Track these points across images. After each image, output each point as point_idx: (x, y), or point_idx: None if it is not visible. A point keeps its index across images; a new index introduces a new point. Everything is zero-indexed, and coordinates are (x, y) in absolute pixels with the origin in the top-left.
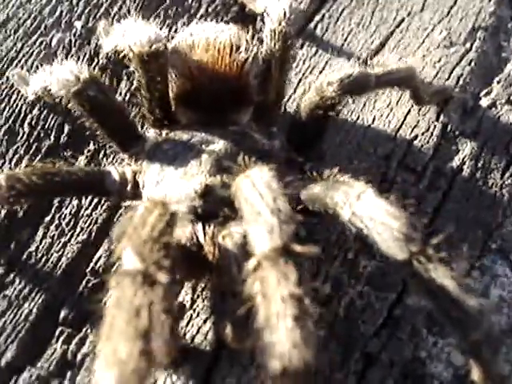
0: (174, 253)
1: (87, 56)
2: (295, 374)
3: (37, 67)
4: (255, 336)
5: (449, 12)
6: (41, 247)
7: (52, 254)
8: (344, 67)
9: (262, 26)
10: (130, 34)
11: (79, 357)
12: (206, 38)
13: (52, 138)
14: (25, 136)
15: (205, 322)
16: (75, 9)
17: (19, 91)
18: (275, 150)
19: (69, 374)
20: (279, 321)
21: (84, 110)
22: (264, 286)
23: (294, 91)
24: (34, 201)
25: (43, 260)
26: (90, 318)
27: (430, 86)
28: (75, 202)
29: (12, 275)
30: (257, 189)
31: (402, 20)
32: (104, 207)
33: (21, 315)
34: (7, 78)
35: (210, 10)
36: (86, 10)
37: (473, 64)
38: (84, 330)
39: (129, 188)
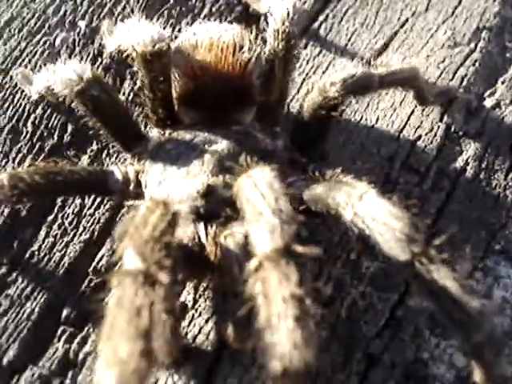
0: (175, 253)
1: (91, 55)
2: (296, 375)
3: (40, 66)
4: (256, 336)
5: (453, 12)
6: (43, 246)
7: (54, 254)
8: (347, 67)
9: (265, 26)
10: (133, 34)
11: (81, 356)
12: (209, 38)
13: (55, 137)
14: (28, 135)
15: (207, 321)
16: (79, 8)
17: (23, 90)
18: (278, 150)
19: (70, 373)
20: (280, 321)
21: (87, 110)
22: (265, 286)
23: (298, 91)
24: (37, 200)
25: (46, 259)
26: (92, 317)
27: (433, 86)
28: (78, 202)
29: (14, 274)
30: (258, 189)
31: (406, 20)
32: (107, 207)
33: (23, 314)
34: (11, 77)
35: (213, 9)
36: (90, 10)
37: (477, 64)
38: (86, 329)
39: (131, 187)
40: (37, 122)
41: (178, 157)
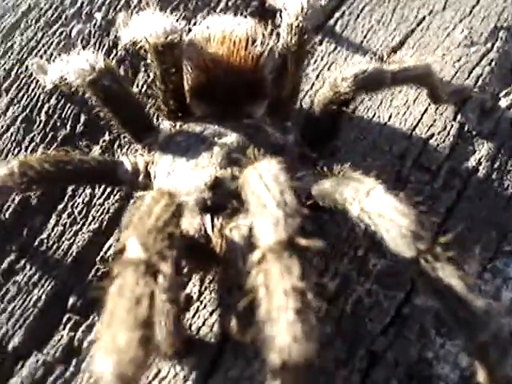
0: (180, 244)
1: (106, 47)
2: (295, 368)
3: (56, 57)
4: (257, 329)
5: (471, 11)
6: (52, 235)
7: (63, 242)
8: (360, 63)
9: (280, 20)
10: (147, 26)
11: (85, 344)
12: (221, 31)
13: (68, 127)
14: (41, 125)
15: (211, 314)
16: (96, 0)
17: (38, 80)
18: (288, 144)
19: (74, 360)
20: (280, 314)
21: (99, 100)
22: (267, 278)
23: (311, 87)
24: (46, 188)
25: (54, 247)
26: (98, 306)
27: (448, 84)
28: (88, 191)
29: (23, 261)
30: (264, 181)
31: (423, 18)
32: (116, 197)
33: (30, 301)
34: (26, 67)
35: (229, 4)
36: (107, 2)
37: (493, 64)
38: (91, 317)
39: (141, 178)
40: (50, 111)
41: (188, 149)
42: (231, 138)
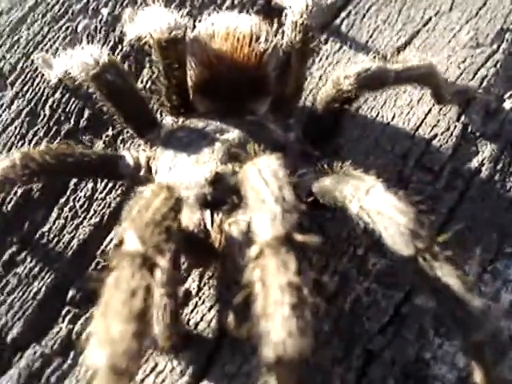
0: (179, 238)
1: (112, 43)
2: (290, 364)
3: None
4: (253, 324)
5: (477, 13)
6: (54, 228)
7: (64, 235)
8: (363, 62)
9: (285, 18)
10: (151, 21)
11: (84, 337)
12: (225, 28)
13: (72, 121)
14: (45, 118)
15: (209, 309)
16: None
17: (43, 74)
18: (290, 141)
19: (72, 353)
20: (276, 309)
21: (102, 94)
22: (264, 273)
23: (316, 86)
24: (48, 180)
25: (55, 240)
26: (97, 299)
27: (452, 85)
28: (90, 186)
29: (24, 254)
30: (263, 176)
31: (430, 19)
32: (118, 192)
33: (29, 293)
34: (32, 61)
35: (236, 1)
36: None
37: (498, 66)
38: (90, 310)
39: (142, 173)
40: (55, 105)
41: (189, 144)
42: (233, 134)
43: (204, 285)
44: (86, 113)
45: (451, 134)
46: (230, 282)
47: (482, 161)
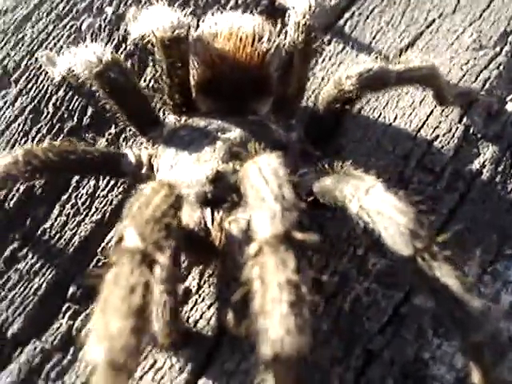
0: (179, 235)
1: (115, 41)
2: (287, 361)
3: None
4: (251, 321)
5: (481, 15)
6: (55, 224)
7: (66, 232)
8: (365, 62)
9: (288, 19)
10: (154, 20)
11: (83, 333)
12: (228, 27)
13: (75, 119)
14: (49, 116)
15: (209, 307)
16: None
17: (47, 72)
18: (291, 141)
19: (72, 349)
20: (274, 307)
21: (105, 92)
22: (263, 271)
23: (319, 86)
24: (50, 177)
25: (57, 237)
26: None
27: (454, 87)
28: (92, 183)
29: (25, 250)
30: (263, 175)
31: (433, 21)
32: (120, 189)
33: (30, 289)
34: (36, 58)
35: (239, 1)
36: None
37: (501, 68)
38: (90, 307)
39: (144, 171)
40: (58, 103)
41: (191, 143)
42: (234, 133)
43: (204, 283)
44: (90, 111)
45: (453, 136)
46: (230, 280)
47: (484, 162)
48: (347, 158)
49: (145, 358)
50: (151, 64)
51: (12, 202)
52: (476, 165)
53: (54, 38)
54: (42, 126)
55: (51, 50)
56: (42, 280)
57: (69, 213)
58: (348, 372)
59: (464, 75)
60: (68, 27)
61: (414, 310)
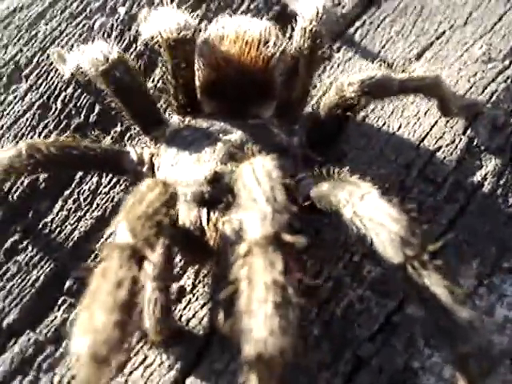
0: (171, 233)
1: (126, 42)
2: (270, 362)
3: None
4: (237, 320)
5: (492, 28)
6: (57, 219)
7: (66, 227)
8: (368, 69)
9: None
10: (161, 20)
11: (70, 324)
12: (235, 31)
13: (82, 116)
14: (57, 112)
15: (202, 307)
16: None
17: (57, 69)
18: (293, 146)
19: (65, 342)
20: (259, 306)
21: (110, 90)
22: (250, 271)
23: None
24: (52, 172)
25: (57, 231)
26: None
27: (460, 98)
28: (95, 180)
29: (25, 242)
30: (256, 176)
31: (443, 32)
32: (122, 187)
33: (28, 281)
34: (48, 55)
35: (251, 7)
36: None
37: (509, 81)
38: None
39: (145, 169)
40: (66, 100)
41: (192, 143)
42: (235, 135)
43: (199, 282)
44: (97, 108)
45: (456, 147)
46: (222, 280)
47: (485, 175)
48: (349, 165)
49: (135, 354)
50: (160, 65)
51: (16, 195)
52: (478, 177)
53: (66, 36)
54: (49, 121)
55: (63, 47)
56: (40, 272)
57: (70, 208)
58: (336, 378)
59: (471, 87)
60: (81, 26)
61: (406, 319)
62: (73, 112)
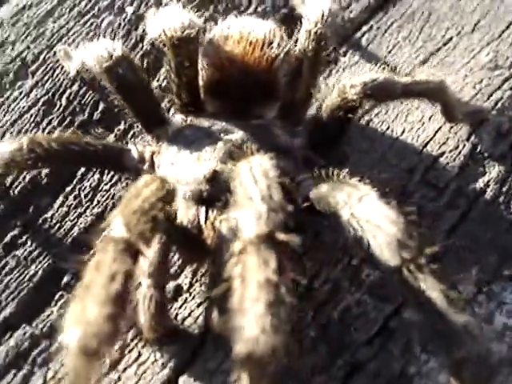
0: (167, 230)
1: (133, 41)
2: (261, 360)
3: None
4: (229, 318)
5: (500, 35)
6: (57, 214)
7: (66, 222)
8: (371, 71)
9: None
10: (166, 19)
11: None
12: (239, 31)
13: (86, 113)
14: (61, 109)
15: (198, 306)
16: None
17: (63, 67)
18: (294, 147)
19: (60, 336)
20: (252, 305)
21: (113, 87)
22: (244, 269)
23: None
24: (53, 167)
25: (57, 227)
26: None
27: (465, 105)
28: (97, 177)
29: (25, 237)
30: (253, 174)
31: (450, 39)
32: (123, 184)
33: (26, 275)
34: (54, 52)
35: (259, 9)
36: None
37: None
38: None
39: (145, 167)
40: (71, 97)
41: (193, 142)
42: (237, 135)
43: (196, 281)
44: (101, 106)
45: (459, 153)
46: (218, 279)
47: (488, 182)
48: (351, 168)
49: (129, 351)
50: (165, 64)
51: (17, 190)
52: (480, 183)
53: (73, 34)
54: (53, 118)
55: (70, 45)
56: (38, 267)
57: (71, 204)
58: (330, 381)
59: (476, 94)
60: (88, 24)
61: (403, 323)
62: (77, 109)
